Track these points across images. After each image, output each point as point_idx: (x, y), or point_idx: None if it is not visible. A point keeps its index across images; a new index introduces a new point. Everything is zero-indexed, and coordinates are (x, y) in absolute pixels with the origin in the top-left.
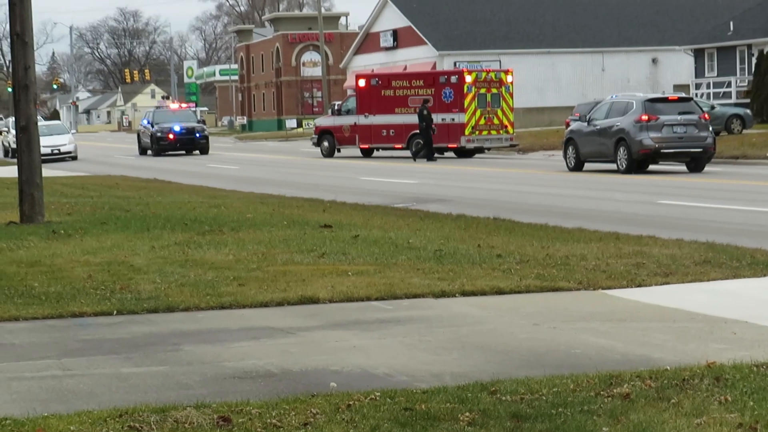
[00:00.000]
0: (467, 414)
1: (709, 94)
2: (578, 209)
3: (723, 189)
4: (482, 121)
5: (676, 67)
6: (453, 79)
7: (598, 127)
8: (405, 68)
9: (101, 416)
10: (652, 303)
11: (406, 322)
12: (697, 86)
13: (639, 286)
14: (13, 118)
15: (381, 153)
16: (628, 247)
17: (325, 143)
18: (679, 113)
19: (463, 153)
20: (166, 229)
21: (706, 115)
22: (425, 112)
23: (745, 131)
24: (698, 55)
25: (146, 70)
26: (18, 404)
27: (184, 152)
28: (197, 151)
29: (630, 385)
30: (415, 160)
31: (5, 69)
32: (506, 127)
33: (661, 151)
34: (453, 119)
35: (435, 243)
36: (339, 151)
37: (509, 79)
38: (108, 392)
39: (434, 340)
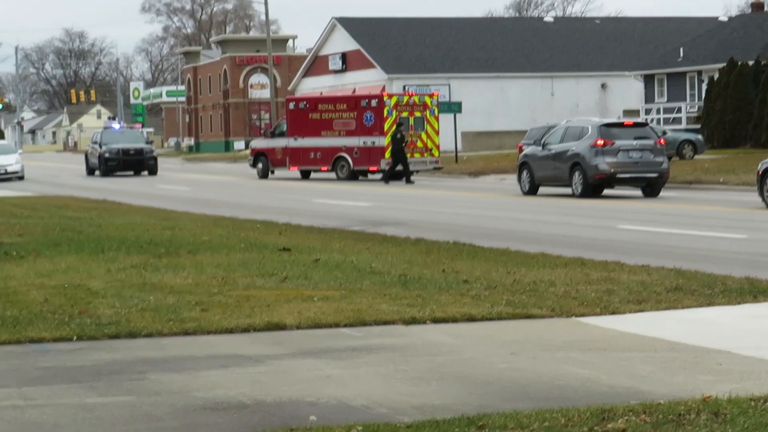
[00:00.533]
0: None
1: (659, 119)
2: (537, 233)
3: (681, 214)
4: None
5: (626, 92)
6: (373, 102)
7: (553, 151)
8: (354, 91)
9: None
10: (629, 331)
11: (379, 350)
12: (647, 111)
13: (613, 313)
14: None
15: (321, 175)
16: (596, 273)
17: (260, 165)
18: (635, 138)
19: (393, 176)
20: (121, 251)
21: (662, 141)
22: (398, 135)
23: (696, 156)
24: (648, 80)
25: (92, 91)
26: None
27: (132, 173)
28: (146, 172)
29: (624, 420)
30: (386, 183)
31: None
32: (431, 150)
33: (617, 176)
34: (374, 142)
35: (398, 268)
36: (273, 172)
37: (434, 102)
38: (73, 424)
39: (411, 370)
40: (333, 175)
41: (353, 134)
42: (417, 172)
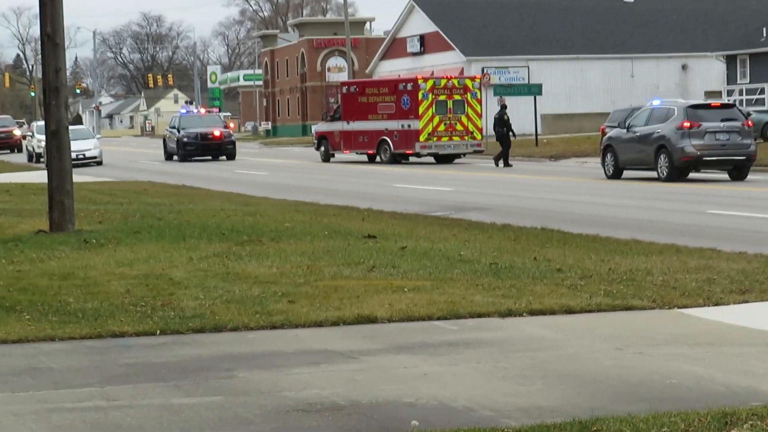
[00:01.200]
0: None
1: (742, 101)
2: (625, 219)
3: None
4: (441, 128)
5: (707, 73)
6: (409, 86)
7: (638, 134)
8: (432, 74)
9: None
10: (736, 324)
11: (477, 345)
12: (729, 93)
13: (716, 304)
14: (37, 123)
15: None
16: (693, 260)
17: (322, 148)
18: (722, 120)
19: (441, 159)
20: (202, 238)
21: (750, 122)
22: (505, 117)
23: None
24: (730, 61)
25: (169, 75)
26: None
27: (210, 158)
28: (224, 157)
29: (749, 426)
30: (496, 165)
31: (27, 74)
32: (472, 132)
33: (704, 158)
34: (409, 125)
35: (488, 255)
36: (333, 156)
37: (476, 85)
38: (159, 428)
39: (512, 367)
40: (378, 157)
41: (393, 118)
42: (464, 155)
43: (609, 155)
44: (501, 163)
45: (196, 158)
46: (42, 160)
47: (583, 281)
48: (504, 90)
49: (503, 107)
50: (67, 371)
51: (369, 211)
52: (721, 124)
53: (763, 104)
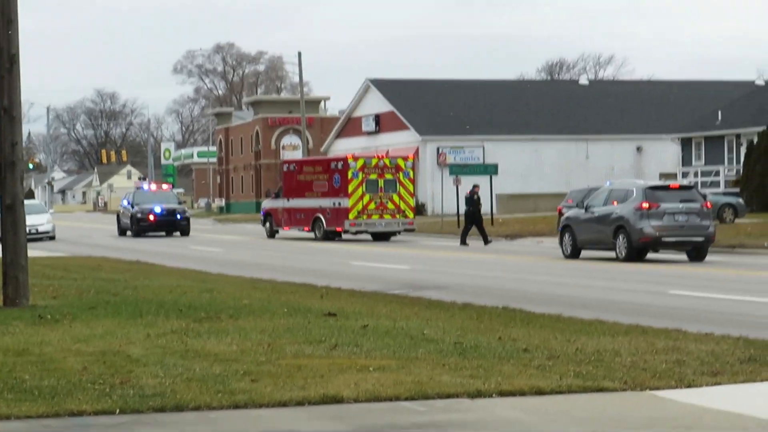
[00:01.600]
0: None
1: (697, 182)
2: (586, 298)
3: (730, 279)
4: (372, 206)
5: (662, 155)
6: (340, 165)
7: (596, 214)
8: (387, 152)
9: None
10: (711, 407)
11: (447, 427)
12: (684, 175)
13: (689, 386)
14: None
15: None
16: (660, 341)
17: (267, 224)
18: (681, 201)
19: (377, 236)
20: (159, 315)
21: (708, 204)
22: (475, 197)
23: (737, 220)
24: (685, 143)
25: (123, 151)
26: None
27: (164, 233)
28: (178, 233)
29: None
30: (461, 244)
31: None
32: (403, 211)
33: (663, 239)
34: (340, 203)
35: (452, 335)
36: (278, 232)
37: (408, 164)
38: None
39: None
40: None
41: (326, 195)
42: (398, 232)
43: (567, 235)
44: (483, 239)
45: (150, 233)
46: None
47: (551, 362)
48: (459, 169)
49: (475, 186)
50: None
51: (327, 288)
52: (680, 206)
53: (718, 186)
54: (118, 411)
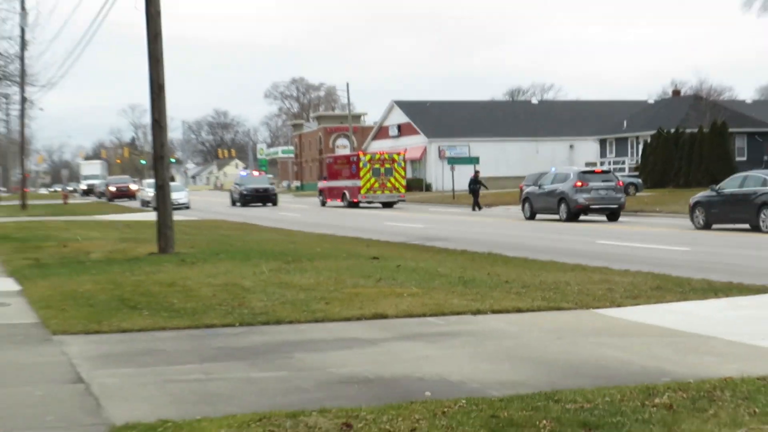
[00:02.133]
0: (545, 422)
1: (609, 169)
2: (542, 246)
3: (637, 233)
4: (376, 185)
5: (586, 151)
6: (355, 159)
7: (546, 190)
8: (405, 150)
9: (244, 420)
10: (636, 321)
11: (458, 335)
12: (602, 163)
13: (618, 306)
14: (147, 180)
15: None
16: (595, 275)
17: (320, 198)
18: (602, 181)
19: (384, 205)
20: (261, 259)
21: (621, 182)
22: (478, 179)
23: (638, 194)
24: (602, 143)
25: (232, 150)
26: (174, 406)
27: (260, 204)
28: (270, 204)
29: (668, 397)
30: (473, 210)
31: (138, 148)
32: (397, 189)
33: (590, 207)
34: (355, 184)
35: (456, 272)
36: (326, 203)
37: (401, 158)
38: (244, 395)
39: (486, 352)
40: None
41: (348, 179)
42: (395, 202)
43: (527, 204)
44: (476, 208)
45: (251, 204)
46: (149, 205)
47: (524, 289)
48: (454, 160)
49: (476, 173)
50: (175, 353)
51: (369, 240)
52: (602, 184)
53: (624, 171)
54: (237, 324)
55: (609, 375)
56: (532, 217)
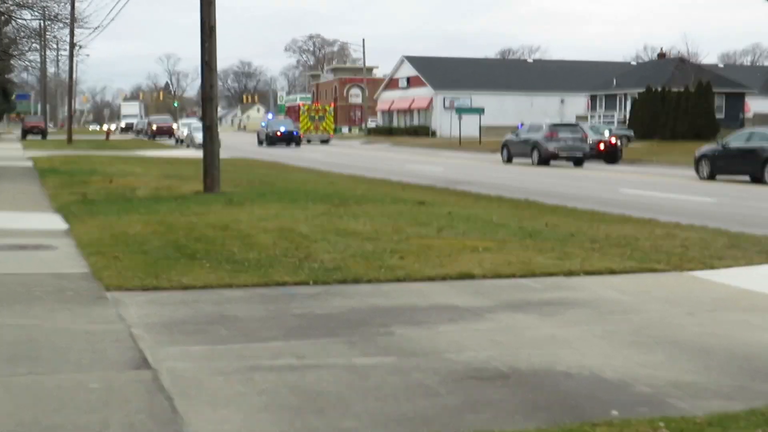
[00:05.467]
0: None
1: (599, 122)
2: (570, 194)
3: (649, 182)
4: (311, 128)
5: (577, 105)
6: (297, 108)
7: (522, 138)
8: (413, 101)
9: None
10: (749, 289)
11: (570, 305)
12: (591, 117)
13: (711, 268)
14: (182, 120)
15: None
16: (657, 230)
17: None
18: (570, 132)
19: (322, 142)
20: (308, 201)
21: (585, 135)
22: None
23: (630, 145)
24: (592, 98)
25: (255, 96)
26: (272, 415)
27: (285, 144)
28: (294, 144)
29: None
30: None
31: (171, 92)
32: (326, 131)
33: (559, 154)
34: (298, 127)
35: (512, 221)
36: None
37: (330, 110)
38: (357, 397)
39: (617, 331)
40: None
41: (295, 122)
42: (327, 140)
43: (505, 150)
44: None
45: (276, 144)
46: (183, 143)
47: (596, 244)
48: (463, 110)
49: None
50: (251, 321)
51: (401, 183)
52: (569, 135)
53: (613, 124)
54: (311, 282)
55: None
56: (509, 160)
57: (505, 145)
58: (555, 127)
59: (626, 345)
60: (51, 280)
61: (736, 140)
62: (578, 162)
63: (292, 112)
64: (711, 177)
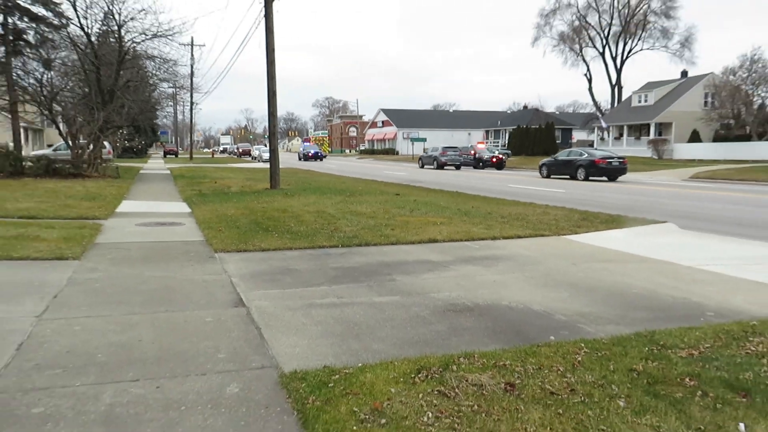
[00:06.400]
0: (687, 379)
1: (491, 147)
2: (478, 186)
3: (520, 179)
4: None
5: (478, 137)
6: (306, 139)
7: (429, 155)
8: (385, 134)
9: (403, 371)
10: (602, 246)
11: (501, 259)
12: (487, 144)
13: (575, 233)
14: (255, 147)
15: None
16: (538, 209)
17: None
18: (453, 152)
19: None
20: (332, 194)
21: (461, 153)
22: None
23: (509, 159)
24: (487, 132)
25: (296, 132)
26: (325, 339)
27: (314, 160)
28: (320, 160)
29: (759, 341)
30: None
31: (249, 129)
32: (323, 151)
33: (447, 163)
34: (321, 149)
35: (451, 204)
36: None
37: (326, 140)
38: (381, 327)
39: (533, 277)
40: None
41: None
42: (325, 156)
43: (420, 161)
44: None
45: (309, 160)
46: (256, 160)
47: (504, 219)
48: (413, 139)
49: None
50: (306, 272)
51: (382, 182)
52: (453, 153)
53: (498, 147)
54: (340, 245)
55: (658, 307)
56: (422, 167)
57: (420, 159)
58: (445, 149)
59: (541, 286)
60: (180, 245)
61: (561, 155)
62: (458, 167)
63: (306, 142)
64: (548, 176)
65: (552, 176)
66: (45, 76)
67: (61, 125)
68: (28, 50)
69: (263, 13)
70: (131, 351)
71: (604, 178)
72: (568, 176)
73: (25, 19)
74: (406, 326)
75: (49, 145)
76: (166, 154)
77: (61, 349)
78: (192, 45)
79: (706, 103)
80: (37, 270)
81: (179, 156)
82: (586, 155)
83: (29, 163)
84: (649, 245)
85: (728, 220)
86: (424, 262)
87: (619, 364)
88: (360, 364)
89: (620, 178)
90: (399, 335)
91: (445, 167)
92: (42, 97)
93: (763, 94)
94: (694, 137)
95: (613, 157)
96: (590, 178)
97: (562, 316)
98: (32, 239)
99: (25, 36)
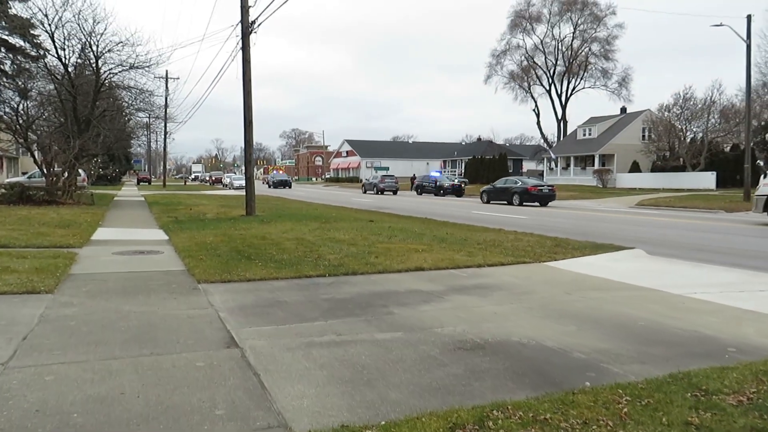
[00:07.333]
0: None
1: (449, 176)
2: (442, 213)
3: (473, 206)
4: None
5: (435, 165)
6: (271, 168)
7: (371, 182)
8: (350, 163)
9: (435, 429)
10: (585, 273)
11: (491, 288)
12: (444, 173)
13: (554, 260)
14: (226, 174)
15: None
16: (509, 235)
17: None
18: (390, 179)
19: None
20: (308, 220)
21: (397, 180)
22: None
23: (466, 187)
24: (444, 161)
25: (265, 161)
26: (334, 387)
27: (282, 187)
28: (287, 187)
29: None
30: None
31: (219, 158)
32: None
33: (385, 189)
34: (290, 177)
35: (426, 231)
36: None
37: (291, 170)
38: (392, 371)
39: (533, 308)
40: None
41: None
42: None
43: (364, 188)
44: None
45: (278, 188)
46: (227, 187)
47: (481, 245)
48: (376, 168)
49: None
50: (297, 305)
51: (353, 209)
52: (390, 180)
53: (455, 176)
54: (327, 274)
55: (672, 342)
56: (365, 192)
57: (363, 185)
58: (383, 177)
59: (543, 318)
60: (161, 276)
61: (499, 183)
62: (394, 193)
63: (270, 171)
64: (488, 202)
65: (491, 202)
66: (21, 105)
67: (36, 153)
68: (4, 80)
69: (239, 45)
70: (112, 407)
71: (537, 204)
72: (505, 202)
73: (2, 50)
74: (419, 369)
75: (24, 173)
76: (139, 181)
77: (29, 407)
78: (167, 78)
79: (644, 136)
80: (5, 306)
81: (152, 183)
82: (521, 183)
83: (2, 190)
84: (628, 272)
85: (689, 245)
86: (416, 292)
87: (670, 416)
88: (383, 422)
89: (565, 204)
90: (415, 381)
91: (384, 192)
92: (17, 126)
93: (695, 129)
94: (635, 167)
95: (543, 185)
96: (524, 203)
97: (580, 354)
98: (1, 271)
99: (1, 66)
